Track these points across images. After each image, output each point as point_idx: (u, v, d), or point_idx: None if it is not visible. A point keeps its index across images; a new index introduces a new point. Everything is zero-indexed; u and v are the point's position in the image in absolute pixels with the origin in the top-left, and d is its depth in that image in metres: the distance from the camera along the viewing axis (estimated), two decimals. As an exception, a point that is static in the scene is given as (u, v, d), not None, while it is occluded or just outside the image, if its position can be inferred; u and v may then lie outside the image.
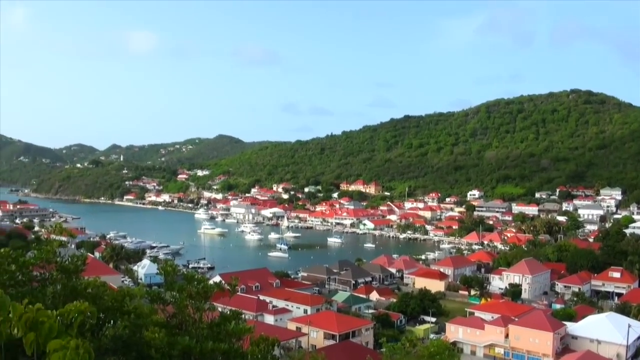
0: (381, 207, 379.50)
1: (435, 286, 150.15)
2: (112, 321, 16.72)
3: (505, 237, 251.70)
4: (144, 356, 15.14)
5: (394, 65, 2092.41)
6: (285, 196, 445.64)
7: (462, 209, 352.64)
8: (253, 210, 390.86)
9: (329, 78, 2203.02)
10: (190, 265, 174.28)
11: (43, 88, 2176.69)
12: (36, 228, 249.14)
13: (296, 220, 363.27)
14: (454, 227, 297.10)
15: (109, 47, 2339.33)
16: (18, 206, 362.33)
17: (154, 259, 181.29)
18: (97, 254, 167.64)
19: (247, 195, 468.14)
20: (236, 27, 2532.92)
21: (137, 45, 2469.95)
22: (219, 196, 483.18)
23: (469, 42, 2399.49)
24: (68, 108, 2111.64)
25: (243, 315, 19.95)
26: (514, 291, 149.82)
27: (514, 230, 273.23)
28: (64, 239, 21.97)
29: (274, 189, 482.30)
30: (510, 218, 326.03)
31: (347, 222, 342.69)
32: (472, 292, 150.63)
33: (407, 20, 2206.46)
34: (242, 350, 17.22)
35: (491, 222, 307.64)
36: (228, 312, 18.44)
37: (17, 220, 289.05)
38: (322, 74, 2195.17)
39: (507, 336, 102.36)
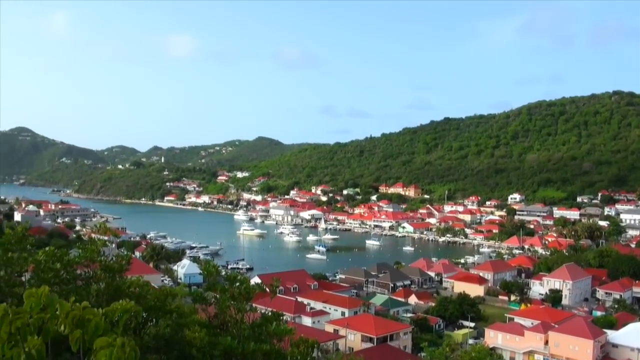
0: (420, 210, 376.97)
1: (475, 291, 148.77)
2: (154, 320, 16.90)
3: (546, 242, 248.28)
4: (186, 355, 15.28)
5: (433, 67, 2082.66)
6: (324, 198, 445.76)
7: (502, 213, 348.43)
8: (292, 212, 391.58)
9: (367, 80, 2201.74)
10: (229, 266, 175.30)
11: (85, 91, 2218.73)
12: (77, 227, 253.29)
13: (334, 223, 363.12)
14: (494, 230, 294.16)
15: (150, 50, 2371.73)
16: (60, 206, 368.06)
17: (194, 259, 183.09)
18: (137, 254, 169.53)
19: (286, 197, 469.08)
20: (275, 30, 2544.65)
21: (177, 49, 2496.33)
22: (258, 198, 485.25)
23: (508, 43, 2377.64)
24: (110, 111, 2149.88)
25: (283, 317, 19.99)
26: (554, 297, 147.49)
27: (555, 235, 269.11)
28: (107, 238, 22.28)
29: (313, 191, 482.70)
30: (551, 222, 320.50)
31: (386, 224, 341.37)
32: (512, 298, 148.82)
33: (445, 21, 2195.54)
34: (283, 352, 17.26)
35: (532, 226, 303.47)
36: (269, 313, 18.50)
37: (59, 220, 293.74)
38: (360, 76, 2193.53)
39: (546, 343, 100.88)
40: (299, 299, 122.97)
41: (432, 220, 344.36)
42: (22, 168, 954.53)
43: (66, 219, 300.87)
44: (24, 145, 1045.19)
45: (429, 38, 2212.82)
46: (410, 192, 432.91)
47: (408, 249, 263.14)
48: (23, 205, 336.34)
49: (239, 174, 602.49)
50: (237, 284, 18.36)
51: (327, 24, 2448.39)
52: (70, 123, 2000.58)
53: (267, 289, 20.85)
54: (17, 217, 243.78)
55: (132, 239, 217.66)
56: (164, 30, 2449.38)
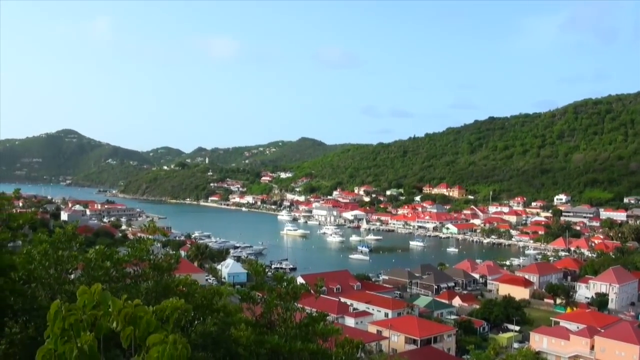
0: (465, 211, 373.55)
1: (520, 293, 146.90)
2: (201, 318, 17.05)
3: (593, 244, 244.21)
4: (232, 354, 15.36)
5: (475, 66, 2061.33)
6: (367, 199, 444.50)
7: (548, 214, 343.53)
8: (335, 213, 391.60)
9: (408, 80, 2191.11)
10: (273, 266, 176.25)
11: (130, 94, 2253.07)
12: (123, 227, 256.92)
13: (377, 223, 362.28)
14: (539, 232, 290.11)
15: (192, 53, 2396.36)
16: (106, 206, 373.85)
17: (238, 259, 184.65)
18: (182, 253, 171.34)
19: (329, 197, 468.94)
20: (315, 30, 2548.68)
21: (219, 51, 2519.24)
22: (302, 198, 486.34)
23: (551, 40, 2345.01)
24: (155, 112, 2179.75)
25: (329, 317, 20.01)
26: (600, 301, 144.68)
27: (601, 237, 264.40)
28: (155, 237, 22.55)
29: (356, 191, 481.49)
30: (597, 224, 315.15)
31: (430, 225, 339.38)
32: (558, 301, 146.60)
33: (487, 20, 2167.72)
34: (329, 352, 17.26)
35: (578, 228, 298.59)
36: (315, 314, 18.52)
37: (105, 219, 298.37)
38: (401, 75, 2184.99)
39: (592, 348, 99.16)
40: (342, 299, 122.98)
41: (477, 222, 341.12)
42: (68, 169, 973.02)
43: (112, 219, 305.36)
44: (70, 147, 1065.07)
45: (470, 36, 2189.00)
46: (455, 193, 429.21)
47: (452, 250, 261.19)
48: (69, 205, 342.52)
49: (282, 175, 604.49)
50: (285, 283, 18.42)
51: (368, 24, 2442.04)
52: (115, 125, 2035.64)
53: (309, 290, 20.88)
54: (64, 216, 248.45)
55: (177, 238, 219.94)
56: (205, 33, 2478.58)
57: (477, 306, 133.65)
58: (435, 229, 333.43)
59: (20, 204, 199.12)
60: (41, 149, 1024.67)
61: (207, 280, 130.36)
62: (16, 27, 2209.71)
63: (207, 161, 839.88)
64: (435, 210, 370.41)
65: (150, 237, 20.83)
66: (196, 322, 16.69)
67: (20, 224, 23.54)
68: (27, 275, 16.80)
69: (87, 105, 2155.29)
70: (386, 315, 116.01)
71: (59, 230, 18.35)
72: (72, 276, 18.35)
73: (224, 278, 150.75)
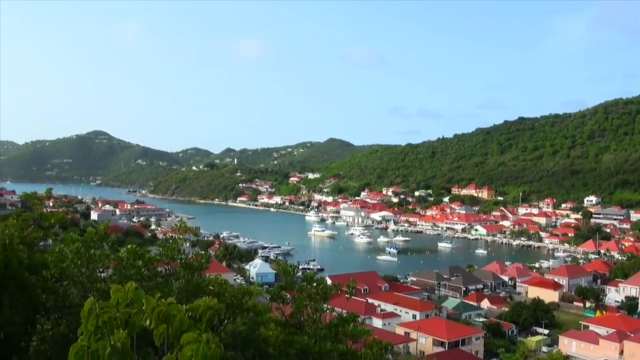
0: (494, 213, 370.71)
1: (549, 296, 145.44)
2: (231, 317, 17.12)
3: (623, 247, 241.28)
4: (262, 353, 15.41)
5: (504, 66, 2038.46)
6: (395, 200, 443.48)
7: (578, 216, 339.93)
8: (362, 214, 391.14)
9: (436, 80, 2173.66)
10: (300, 266, 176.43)
11: (159, 95, 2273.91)
12: (152, 227, 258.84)
13: (406, 224, 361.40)
14: (569, 234, 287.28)
15: (219, 54, 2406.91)
16: (136, 206, 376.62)
17: (266, 259, 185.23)
18: (211, 253, 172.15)
19: (357, 198, 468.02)
20: (342, 31, 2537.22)
21: (246, 52, 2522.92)
22: (329, 199, 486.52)
23: (580, 39, 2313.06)
24: (184, 114, 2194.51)
25: (359, 318, 19.99)
26: (630, 305, 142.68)
27: (632, 239, 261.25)
28: (186, 237, 22.70)
29: (384, 192, 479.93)
30: (628, 226, 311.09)
31: (459, 227, 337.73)
32: (587, 304, 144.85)
33: (515, 19, 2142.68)
34: (358, 353, 17.23)
35: (608, 230, 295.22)
36: (345, 314, 18.51)
37: (135, 219, 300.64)
38: (429, 76, 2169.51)
39: (621, 353, 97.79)
40: (370, 300, 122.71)
41: (506, 223, 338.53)
42: (98, 170, 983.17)
43: (141, 219, 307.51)
44: (100, 148, 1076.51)
45: (498, 36, 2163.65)
46: (484, 194, 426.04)
47: (481, 252, 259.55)
48: (99, 204, 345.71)
49: (310, 175, 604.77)
50: (314, 283, 18.43)
51: (395, 24, 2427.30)
52: (145, 126, 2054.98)
53: (339, 290, 20.87)
54: (94, 216, 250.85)
55: (205, 238, 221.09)
56: (233, 35, 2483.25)
57: (506, 309, 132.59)
58: (463, 230, 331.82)
59: (51, 204, 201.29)
60: (72, 149, 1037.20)
61: (235, 280, 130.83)
62: (46, 30, 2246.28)
63: (235, 162, 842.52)
64: (464, 212, 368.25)
65: (181, 236, 21.00)
66: (226, 321, 16.76)
67: (51, 223, 23.87)
68: (60, 273, 17.01)
69: (117, 107, 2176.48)
70: (414, 317, 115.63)
71: (91, 229, 18.57)
72: (104, 275, 18.56)
73: (252, 278, 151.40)
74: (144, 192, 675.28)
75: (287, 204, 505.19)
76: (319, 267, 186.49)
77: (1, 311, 13.14)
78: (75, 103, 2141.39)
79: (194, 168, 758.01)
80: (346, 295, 22.23)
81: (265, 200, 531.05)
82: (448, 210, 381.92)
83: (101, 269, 18.30)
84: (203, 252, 20.79)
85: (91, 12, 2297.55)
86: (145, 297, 5.95)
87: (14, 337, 14.11)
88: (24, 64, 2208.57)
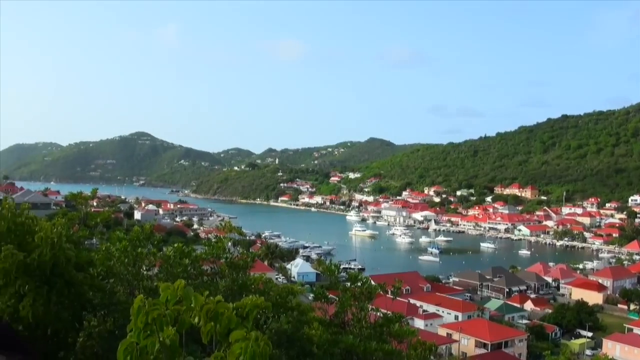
0: (537, 212, 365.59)
1: (593, 298, 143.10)
2: (276, 316, 17.18)
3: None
4: (306, 352, 15.41)
5: (546, 63, 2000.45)
6: (437, 199, 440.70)
7: (622, 216, 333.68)
8: (404, 213, 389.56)
9: (477, 78, 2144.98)
10: (341, 266, 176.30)
11: (201, 97, 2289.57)
12: (195, 226, 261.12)
13: (448, 224, 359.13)
14: (613, 234, 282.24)
15: (260, 55, 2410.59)
16: (178, 205, 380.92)
17: (307, 258, 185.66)
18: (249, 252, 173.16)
19: (398, 198, 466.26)
20: (381, 30, 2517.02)
21: (287, 53, 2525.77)
22: (370, 199, 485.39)
23: (623, 35, 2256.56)
24: (226, 115, 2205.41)
25: (404, 319, 19.91)
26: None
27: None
28: (230, 236, 22.87)
29: (425, 192, 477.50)
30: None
31: (501, 227, 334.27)
32: (632, 307, 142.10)
33: (556, 15, 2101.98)
34: (403, 353, 17.14)
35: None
36: (390, 314, 18.44)
37: (177, 219, 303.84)
38: (469, 74, 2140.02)
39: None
40: (412, 300, 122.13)
41: (550, 223, 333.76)
42: (141, 170, 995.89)
43: (184, 218, 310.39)
44: (143, 149, 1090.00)
45: (539, 32, 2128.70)
46: (527, 194, 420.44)
47: (524, 252, 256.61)
48: (143, 204, 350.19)
49: (351, 175, 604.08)
50: (359, 283, 18.40)
51: (434, 22, 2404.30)
52: (187, 127, 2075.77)
53: (385, 290, 20.81)
54: (137, 215, 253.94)
55: (247, 238, 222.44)
56: (272, 35, 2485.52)
57: (549, 311, 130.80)
58: (506, 230, 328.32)
59: (95, 204, 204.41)
60: (115, 150, 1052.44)
61: (276, 279, 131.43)
62: (89, 33, 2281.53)
63: (276, 162, 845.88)
64: (506, 212, 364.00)
65: (226, 235, 21.22)
66: (270, 319, 16.82)
67: (97, 223, 24.29)
68: (106, 271, 17.26)
69: (160, 109, 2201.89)
70: (456, 317, 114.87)
71: (137, 228, 18.84)
72: (150, 273, 18.81)
73: (294, 277, 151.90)
74: (186, 192, 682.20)
75: (327, 203, 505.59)
76: (360, 267, 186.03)
77: (49, 308, 13.36)
78: (118, 105, 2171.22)
79: (236, 168, 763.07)
80: (390, 296, 22.18)
81: (306, 200, 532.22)
82: (491, 210, 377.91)
83: (147, 267, 18.57)
84: (252, 251, 20.94)
85: (133, 15, 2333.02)
86: (194, 295, 5.99)
87: (61, 333, 14.35)
88: (68, 68, 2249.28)
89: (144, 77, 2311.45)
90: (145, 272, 18.43)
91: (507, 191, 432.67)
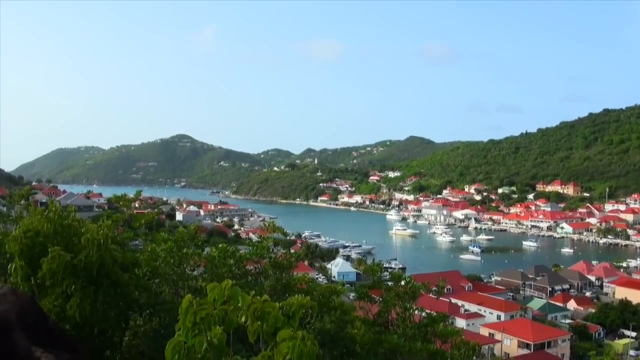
0: (580, 210, 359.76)
1: (637, 297, 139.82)
2: (319, 315, 17.23)
3: None
4: (350, 351, 15.43)
5: (586, 56, 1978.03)
6: (478, 197, 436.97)
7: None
8: (444, 212, 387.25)
9: (516, 74, 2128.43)
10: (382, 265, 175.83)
11: (239, 98, 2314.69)
12: (236, 227, 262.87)
13: (489, 223, 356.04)
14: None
15: (297, 56, 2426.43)
16: (219, 206, 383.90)
17: (347, 258, 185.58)
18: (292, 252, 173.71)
19: (438, 196, 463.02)
20: (418, 27, 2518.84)
21: (324, 53, 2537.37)
22: (410, 197, 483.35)
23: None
24: (264, 116, 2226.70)
25: (449, 318, 19.84)
26: None
27: None
28: (275, 236, 23.06)
29: (466, 190, 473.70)
30: None
31: (544, 225, 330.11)
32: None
33: (595, 7, 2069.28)
34: (447, 353, 17.06)
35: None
36: (435, 314, 18.39)
37: (218, 219, 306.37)
38: (508, 70, 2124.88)
39: None
40: (453, 300, 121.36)
41: (592, 220, 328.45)
42: (182, 172, 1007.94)
43: (225, 219, 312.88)
44: (184, 151, 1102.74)
45: (578, 26, 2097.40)
46: (569, 190, 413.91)
47: (567, 250, 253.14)
48: (184, 205, 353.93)
49: (391, 174, 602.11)
50: (403, 282, 18.37)
51: (470, 18, 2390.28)
52: (227, 129, 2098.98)
53: (429, 290, 20.75)
54: (179, 216, 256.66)
55: (288, 237, 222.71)
56: (309, 35, 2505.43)
57: (593, 310, 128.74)
58: (549, 228, 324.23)
59: (137, 205, 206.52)
60: (156, 153, 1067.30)
61: (316, 279, 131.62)
62: (128, 40, 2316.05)
63: (316, 162, 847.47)
64: (549, 209, 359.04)
65: (270, 235, 21.39)
66: (313, 319, 16.88)
67: (142, 224, 24.63)
68: (151, 271, 17.51)
69: (200, 111, 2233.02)
70: (498, 317, 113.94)
71: (182, 229, 19.12)
72: (195, 273, 19.08)
73: (334, 277, 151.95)
74: (227, 192, 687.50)
75: (367, 203, 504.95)
76: (400, 266, 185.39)
77: (96, 307, 13.57)
78: (158, 108, 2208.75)
79: (275, 169, 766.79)
80: (432, 295, 22.12)
81: (346, 199, 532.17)
82: (533, 208, 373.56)
83: (192, 267, 18.82)
84: (295, 251, 21.16)
85: (170, 18, 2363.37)
86: (241, 295, 6.04)
87: (108, 332, 14.57)
88: (109, 73, 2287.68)
89: (183, 81, 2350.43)
90: (189, 272, 18.70)
91: (549, 188, 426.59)
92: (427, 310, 19.11)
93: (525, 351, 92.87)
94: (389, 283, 19.62)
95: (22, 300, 10.29)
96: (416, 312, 18.58)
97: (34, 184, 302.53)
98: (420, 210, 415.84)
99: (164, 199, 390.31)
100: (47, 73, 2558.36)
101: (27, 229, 14.13)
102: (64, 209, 15.37)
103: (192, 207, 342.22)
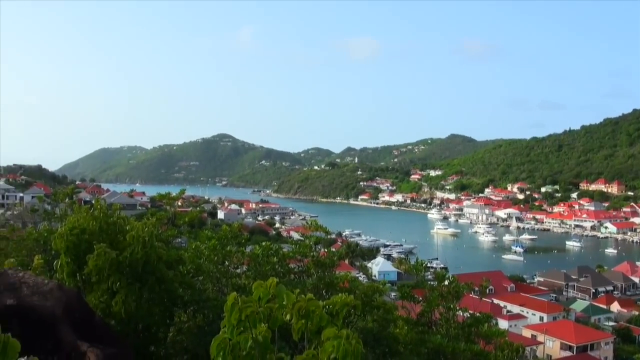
0: (624, 209, 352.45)
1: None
2: (361, 314, 17.23)
3: None
4: (393, 351, 15.38)
5: (627, 51, 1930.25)
6: (521, 196, 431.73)
7: None
8: (486, 211, 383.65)
9: (557, 70, 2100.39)
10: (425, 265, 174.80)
11: (280, 97, 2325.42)
12: (277, 225, 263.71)
13: (532, 222, 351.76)
14: None
15: (334, 54, 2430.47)
16: (260, 205, 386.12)
17: (388, 257, 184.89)
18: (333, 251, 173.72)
19: (480, 195, 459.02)
20: (457, 23, 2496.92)
21: (361, 51, 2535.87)
22: (452, 196, 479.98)
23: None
24: (305, 115, 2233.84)
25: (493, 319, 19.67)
26: None
27: None
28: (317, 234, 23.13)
29: (509, 188, 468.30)
30: None
31: (587, 224, 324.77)
32: None
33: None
34: (490, 354, 16.90)
35: None
36: (479, 315, 18.24)
37: (259, 218, 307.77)
38: (549, 66, 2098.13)
39: None
40: (495, 300, 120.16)
41: (637, 220, 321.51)
42: (224, 171, 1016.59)
43: (266, 217, 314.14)
44: (225, 150, 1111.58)
45: (619, 19, 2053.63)
46: (613, 189, 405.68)
47: (610, 251, 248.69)
48: (226, 204, 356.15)
49: (432, 172, 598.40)
50: (446, 282, 18.26)
51: (510, 12, 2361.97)
52: (268, 128, 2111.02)
53: (472, 290, 20.60)
54: (220, 215, 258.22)
55: (328, 236, 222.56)
56: (347, 34, 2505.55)
57: (637, 312, 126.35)
58: (592, 228, 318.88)
59: (179, 203, 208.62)
60: (198, 152, 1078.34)
61: (357, 278, 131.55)
62: (170, 41, 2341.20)
63: (356, 160, 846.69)
64: (592, 208, 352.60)
65: (312, 234, 21.48)
66: (356, 318, 16.89)
67: (185, 222, 24.97)
68: (195, 269, 17.71)
69: (241, 110, 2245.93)
70: (541, 319, 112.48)
71: (226, 227, 19.32)
72: (238, 270, 19.25)
73: (375, 276, 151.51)
74: (267, 191, 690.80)
75: (408, 201, 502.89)
76: (442, 265, 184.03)
77: (141, 304, 13.78)
78: (200, 108, 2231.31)
79: (316, 167, 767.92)
80: (474, 296, 21.98)
81: (386, 198, 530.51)
82: (576, 207, 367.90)
83: (236, 265, 19.00)
84: (337, 250, 21.26)
85: (209, 19, 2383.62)
86: (286, 293, 6.08)
87: (152, 328, 14.82)
88: (151, 74, 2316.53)
89: (223, 80, 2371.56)
90: (233, 270, 18.87)
91: (592, 187, 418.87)
92: (470, 311, 18.96)
93: (568, 353, 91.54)
94: (432, 283, 19.51)
95: (69, 295, 10.51)
96: (459, 312, 18.42)
97: (77, 183, 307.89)
98: (461, 209, 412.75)
99: (206, 197, 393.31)
100: (91, 74, 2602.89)
101: (73, 227, 14.42)
102: (109, 207, 15.62)
103: (233, 206, 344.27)
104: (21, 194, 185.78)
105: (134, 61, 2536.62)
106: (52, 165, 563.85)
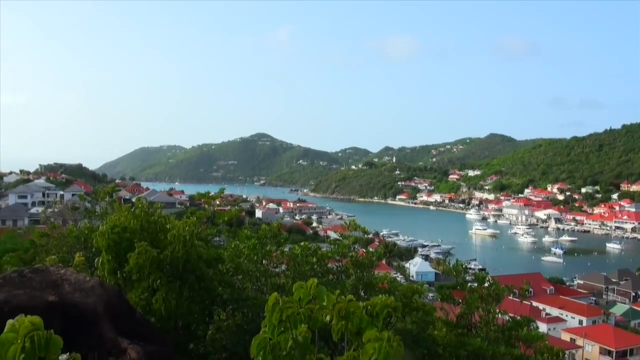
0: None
1: None
2: (400, 315, 17.17)
3: None
4: (432, 353, 15.30)
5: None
6: (561, 197, 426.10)
7: None
8: (526, 212, 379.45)
9: (596, 68, 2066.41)
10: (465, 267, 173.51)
11: (317, 97, 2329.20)
12: (314, 224, 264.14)
13: (572, 223, 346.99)
14: None
15: (371, 54, 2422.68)
16: (298, 204, 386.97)
17: (426, 257, 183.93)
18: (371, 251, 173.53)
19: (519, 195, 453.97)
20: (495, 21, 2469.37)
21: (398, 50, 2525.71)
22: (491, 196, 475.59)
23: None
24: (342, 114, 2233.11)
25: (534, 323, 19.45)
26: None
27: None
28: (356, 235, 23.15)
29: (549, 189, 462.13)
30: None
31: (628, 226, 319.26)
32: None
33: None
34: (531, 358, 16.72)
35: None
36: (519, 317, 18.06)
37: (297, 217, 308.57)
38: (587, 63, 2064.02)
39: None
40: (534, 303, 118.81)
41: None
42: (262, 170, 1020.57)
43: (303, 216, 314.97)
44: (263, 150, 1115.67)
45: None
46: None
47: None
48: (264, 203, 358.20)
49: (471, 173, 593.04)
50: (486, 284, 18.10)
51: (549, 10, 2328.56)
52: (306, 128, 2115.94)
53: (512, 292, 20.41)
54: (258, 214, 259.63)
55: (365, 236, 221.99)
56: (383, 33, 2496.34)
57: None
58: (633, 230, 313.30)
59: (217, 202, 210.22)
60: (236, 152, 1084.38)
61: (395, 278, 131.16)
62: (209, 42, 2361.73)
63: (394, 160, 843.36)
64: (633, 210, 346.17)
65: (351, 233, 21.49)
66: (396, 319, 16.85)
67: (225, 221, 25.15)
68: (235, 268, 17.82)
69: (279, 110, 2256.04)
70: (580, 322, 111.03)
71: (265, 227, 19.42)
72: (277, 270, 19.33)
73: (412, 276, 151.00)
74: (305, 190, 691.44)
75: (446, 202, 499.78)
76: (480, 267, 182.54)
77: (181, 301, 13.94)
78: (238, 108, 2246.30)
79: (353, 167, 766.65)
80: (513, 298, 21.77)
81: (425, 198, 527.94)
82: (617, 208, 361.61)
83: (275, 265, 19.09)
84: (375, 250, 21.23)
85: (247, 18, 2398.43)
86: (326, 294, 6.10)
87: (192, 325, 14.98)
88: (189, 75, 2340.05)
89: (262, 80, 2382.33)
90: (272, 269, 18.96)
91: (633, 188, 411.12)
92: (510, 314, 18.75)
93: (607, 358, 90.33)
94: (471, 284, 19.34)
95: (110, 292, 10.66)
96: (499, 315, 18.25)
97: (117, 181, 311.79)
98: (500, 210, 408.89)
99: (244, 196, 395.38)
100: (131, 75, 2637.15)
101: (114, 225, 14.62)
102: (150, 206, 15.79)
103: (271, 205, 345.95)
104: (62, 192, 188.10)
105: (172, 62, 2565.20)
106: (92, 164, 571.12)
